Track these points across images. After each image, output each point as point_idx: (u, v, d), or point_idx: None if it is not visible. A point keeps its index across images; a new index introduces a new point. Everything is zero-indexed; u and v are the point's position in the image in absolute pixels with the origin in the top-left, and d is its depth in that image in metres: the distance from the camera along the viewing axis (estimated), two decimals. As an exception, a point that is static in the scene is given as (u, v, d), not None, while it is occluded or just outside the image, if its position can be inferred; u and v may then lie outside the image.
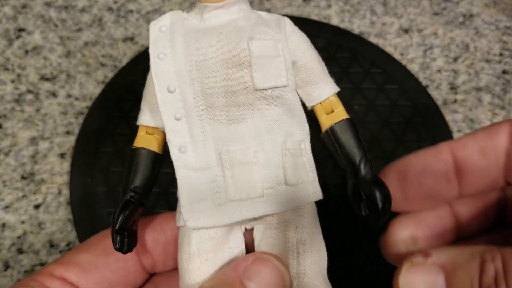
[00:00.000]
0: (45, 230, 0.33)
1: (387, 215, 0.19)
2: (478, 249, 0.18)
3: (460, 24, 0.44)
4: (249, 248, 0.21)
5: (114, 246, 0.19)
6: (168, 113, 0.20)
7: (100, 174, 0.35)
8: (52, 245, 0.33)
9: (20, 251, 0.33)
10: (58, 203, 0.34)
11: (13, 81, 0.40)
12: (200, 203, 0.19)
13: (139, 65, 0.40)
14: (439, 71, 0.41)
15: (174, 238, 0.22)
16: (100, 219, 0.33)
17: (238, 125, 0.20)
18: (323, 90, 0.21)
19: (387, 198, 0.19)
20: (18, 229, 0.33)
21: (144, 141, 0.21)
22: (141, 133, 0.21)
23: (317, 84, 0.21)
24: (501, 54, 0.42)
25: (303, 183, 0.20)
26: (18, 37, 0.43)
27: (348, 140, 0.20)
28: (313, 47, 0.21)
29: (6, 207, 0.34)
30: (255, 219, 0.20)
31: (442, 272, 0.18)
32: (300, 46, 0.21)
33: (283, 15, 0.21)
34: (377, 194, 0.19)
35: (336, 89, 0.21)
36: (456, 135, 0.37)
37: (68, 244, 0.33)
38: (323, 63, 0.21)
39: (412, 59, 0.42)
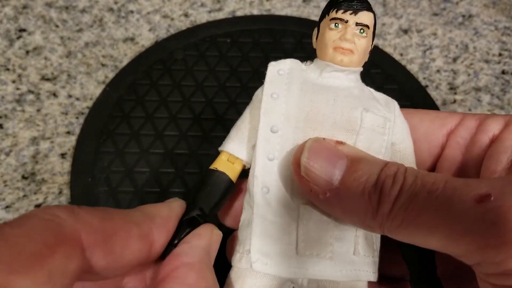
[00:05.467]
0: (46, 229, 0.33)
1: None
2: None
3: (460, 24, 0.45)
4: None
5: (163, 256, 0.19)
6: (264, 151, 0.20)
7: (100, 174, 0.35)
8: (52, 244, 0.33)
9: (21, 250, 0.33)
10: (58, 203, 0.34)
11: (14, 81, 0.40)
12: (270, 247, 0.19)
13: (140, 66, 0.40)
14: (438, 71, 0.41)
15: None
16: (100, 218, 0.33)
17: None
18: None
19: None
20: (19, 228, 0.34)
21: (225, 167, 0.21)
22: (223, 158, 0.21)
23: None
24: (500, 55, 0.43)
25: (368, 258, 0.20)
26: (19, 37, 0.43)
27: None
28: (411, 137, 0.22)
29: (7, 207, 0.34)
30: (308, 281, 0.20)
31: (346, 158, 0.18)
32: (403, 131, 0.21)
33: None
34: None
35: None
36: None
37: (68, 244, 0.33)
38: (414, 154, 0.22)
39: (411, 59, 0.42)
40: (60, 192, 0.35)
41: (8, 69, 0.41)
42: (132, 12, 0.45)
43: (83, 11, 0.45)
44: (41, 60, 0.42)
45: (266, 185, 0.20)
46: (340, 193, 0.18)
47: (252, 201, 0.20)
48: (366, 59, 0.21)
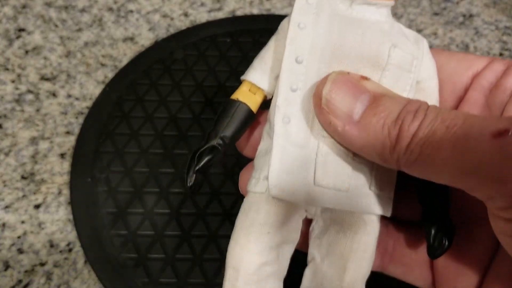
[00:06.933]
0: (45, 230, 0.33)
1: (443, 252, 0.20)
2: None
3: (460, 24, 0.45)
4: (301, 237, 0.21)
5: (186, 183, 0.20)
6: (287, 81, 0.19)
7: (100, 174, 0.35)
8: (52, 245, 0.33)
9: (20, 251, 0.33)
10: (58, 203, 0.34)
11: (13, 81, 0.40)
12: (288, 175, 0.19)
13: (139, 65, 0.40)
14: (439, 71, 0.41)
15: None
16: (100, 219, 0.33)
17: None
18: None
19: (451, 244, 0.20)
20: (18, 229, 0.33)
21: (246, 97, 0.21)
22: (244, 88, 0.21)
23: None
24: (501, 54, 0.42)
25: (384, 194, 0.20)
26: (18, 37, 0.43)
27: None
28: (437, 76, 0.22)
29: (6, 207, 0.34)
30: (322, 211, 0.21)
31: (369, 94, 0.18)
32: (429, 70, 0.21)
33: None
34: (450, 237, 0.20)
35: None
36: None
37: (68, 244, 0.33)
38: (438, 94, 0.22)
39: (412, 59, 0.42)
40: (60, 192, 0.35)
41: (7, 69, 0.41)
42: (131, 11, 0.45)
43: (82, 10, 0.45)
44: (41, 60, 0.41)
45: (287, 115, 0.19)
46: (359, 127, 0.18)
47: (272, 131, 0.19)
48: None
